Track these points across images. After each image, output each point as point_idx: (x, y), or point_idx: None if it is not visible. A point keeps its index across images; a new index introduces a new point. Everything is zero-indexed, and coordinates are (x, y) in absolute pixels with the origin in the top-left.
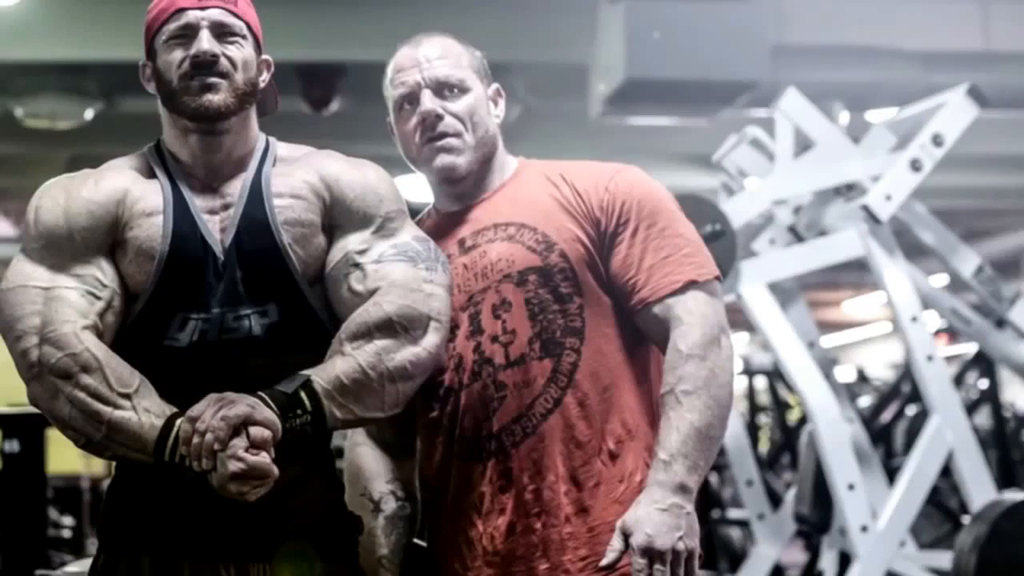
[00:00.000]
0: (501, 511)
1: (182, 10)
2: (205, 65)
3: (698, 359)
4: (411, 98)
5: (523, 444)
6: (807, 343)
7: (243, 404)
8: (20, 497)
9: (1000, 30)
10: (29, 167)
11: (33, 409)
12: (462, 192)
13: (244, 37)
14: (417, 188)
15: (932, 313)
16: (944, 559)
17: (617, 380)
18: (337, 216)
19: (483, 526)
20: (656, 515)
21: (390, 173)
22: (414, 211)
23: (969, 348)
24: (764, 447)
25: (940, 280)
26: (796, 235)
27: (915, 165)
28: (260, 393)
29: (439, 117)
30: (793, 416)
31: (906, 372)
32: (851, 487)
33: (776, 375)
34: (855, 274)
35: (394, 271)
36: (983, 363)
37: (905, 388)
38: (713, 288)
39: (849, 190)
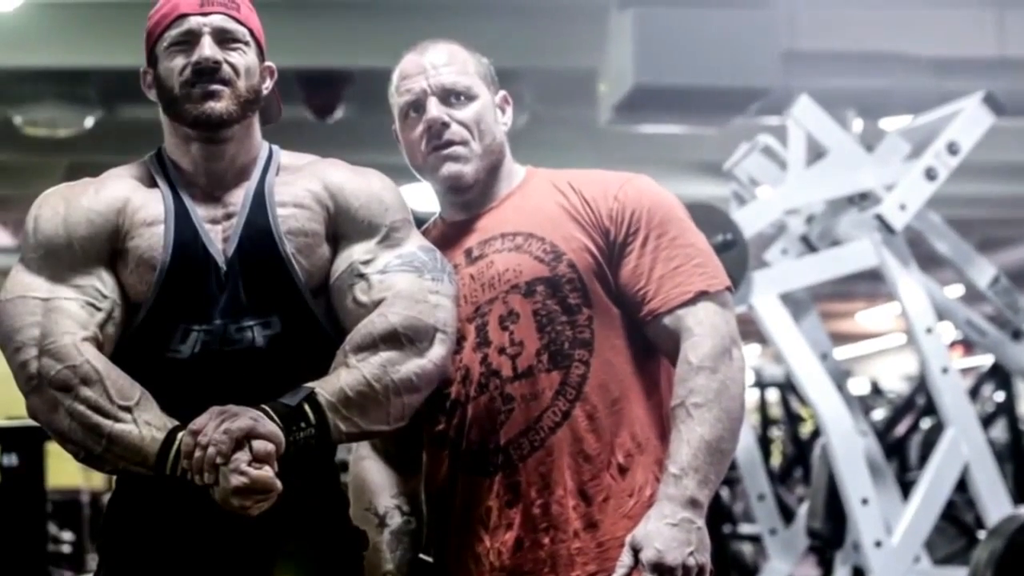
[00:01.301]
0: (508, 526)
1: (184, 16)
2: (207, 72)
3: (709, 371)
4: (417, 105)
5: (531, 458)
6: (820, 355)
7: (246, 417)
8: (19, 512)
9: (1015, 36)
10: (28, 175)
11: (32, 422)
12: (468, 201)
13: (247, 43)
14: (423, 197)
15: (947, 324)
16: (959, 575)
17: (626, 392)
18: (341, 226)
19: (490, 541)
20: (666, 530)
21: (395, 182)
22: (420, 220)
23: (985, 360)
24: (776, 461)
25: (955, 291)
26: (809, 245)
27: (930, 174)
28: (263, 406)
29: (445, 125)
30: (806, 429)
31: (921, 384)
32: (865, 501)
33: (788, 387)
34: (869, 285)
35: (399, 282)
36: (999, 375)
37: (920, 401)
38: (724, 299)
39: (862, 199)
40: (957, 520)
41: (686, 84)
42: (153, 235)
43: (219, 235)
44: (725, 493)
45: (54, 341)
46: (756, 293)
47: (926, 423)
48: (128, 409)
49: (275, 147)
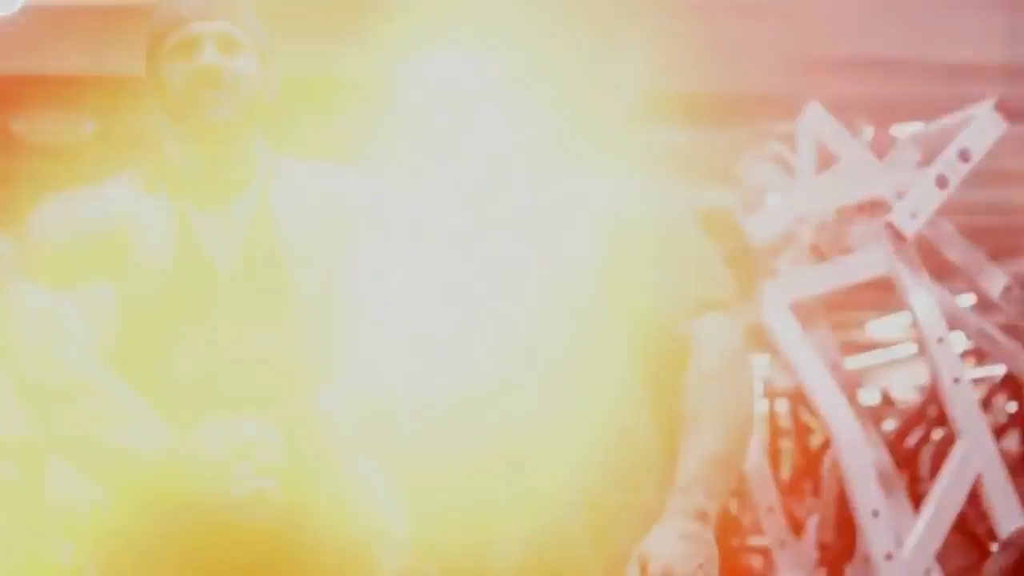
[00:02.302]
0: (514, 539)
1: (187, 21)
2: (210, 78)
3: (717, 382)
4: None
5: None
6: (830, 365)
7: (249, 427)
8: (17, 524)
9: None
10: (27, 183)
11: (31, 432)
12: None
13: (250, 49)
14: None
15: (959, 334)
16: None
17: (633, 404)
18: (346, 231)
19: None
20: (674, 543)
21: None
22: None
23: (997, 370)
24: (785, 472)
25: (967, 300)
26: (819, 254)
27: (941, 181)
28: (266, 415)
29: (451, 139)
30: (815, 440)
31: (932, 395)
32: (875, 514)
33: (798, 398)
34: (880, 294)
35: None
36: (1012, 385)
37: (931, 411)
38: (733, 309)
39: (873, 207)
40: (969, 532)
41: (695, 90)
42: (154, 242)
43: (221, 242)
44: (733, 505)
45: (54, 350)
46: (765, 303)
47: (938, 434)
48: (129, 419)
49: (277, 153)
